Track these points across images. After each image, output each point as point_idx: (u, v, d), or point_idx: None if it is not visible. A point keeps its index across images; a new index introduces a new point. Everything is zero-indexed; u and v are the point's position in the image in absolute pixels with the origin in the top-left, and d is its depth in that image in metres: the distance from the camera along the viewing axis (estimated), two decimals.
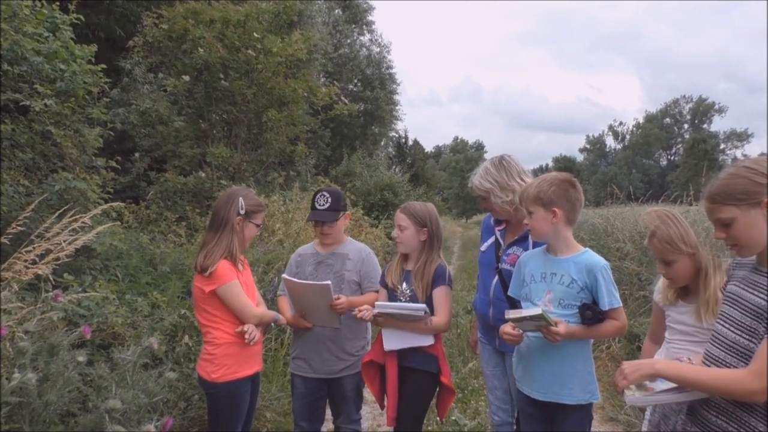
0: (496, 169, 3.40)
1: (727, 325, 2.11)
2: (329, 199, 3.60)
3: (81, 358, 2.84)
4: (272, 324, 3.48)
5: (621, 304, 2.85)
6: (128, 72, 10.65)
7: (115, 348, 3.70)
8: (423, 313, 3.22)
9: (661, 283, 2.87)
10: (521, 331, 2.83)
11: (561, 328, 2.71)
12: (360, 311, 3.36)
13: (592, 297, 2.82)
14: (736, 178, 2.05)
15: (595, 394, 2.91)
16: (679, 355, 2.55)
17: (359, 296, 3.56)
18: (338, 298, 3.41)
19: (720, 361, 2.09)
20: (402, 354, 3.40)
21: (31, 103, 4.74)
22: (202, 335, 3.31)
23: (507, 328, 2.85)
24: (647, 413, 2.83)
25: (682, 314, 2.70)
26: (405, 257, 3.57)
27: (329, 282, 3.41)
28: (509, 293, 3.15)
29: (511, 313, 2.76)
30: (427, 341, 3.36)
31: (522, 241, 3.36)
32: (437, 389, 3.51)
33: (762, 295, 2.00)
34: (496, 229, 3.55)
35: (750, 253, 2.10)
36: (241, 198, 3.28)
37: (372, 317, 3.34)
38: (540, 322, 2.69)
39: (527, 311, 2.70)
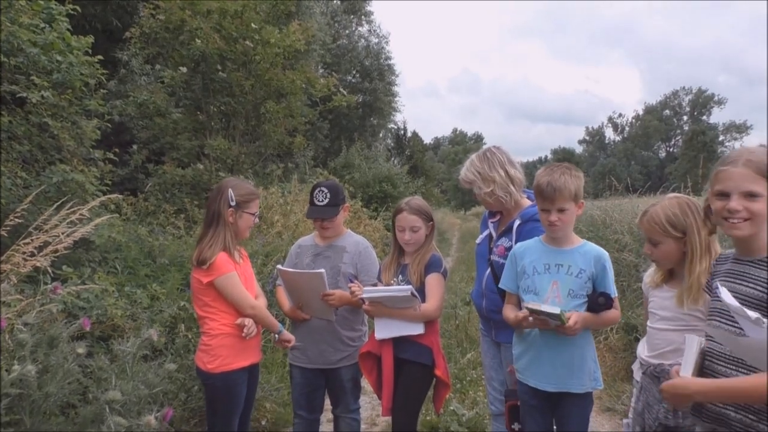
0: (480, 160, 3.39)
1: (727, 322, 2.09)
2: (328, 195, 3.58)
3: (81, 350, 2.85)
4: (275, 335, 3.47)
5: (617, 294, 2.92)
6: (125, 63, 10.61)
7: (114, 340, 3.71)
8: (410, 294, 3.21)
9: (652, 268, 2.88)
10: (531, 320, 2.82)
11: (574, 323, 2.72)
12: (353, 286, 3.38)
13: (593, 287, 2.87)
14: None
15: (599, 381, 2.97)
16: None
17: None
18: (331, 294, 3.42)
19: (725, 356, 2.08)
20: (397, 345, 3.41)
21: (27, 94, 4.72)
22: (200, 326, 3.33)
23: (521, 314, 2.83)
24: (632, 401, 2.85)
25: (666, 299, 2.67)
26: (402, 252, 3.57)
27: (323, 270, 3.41)
28: (500, 285, 3.15)
29: (531, 304, 2.76)
30: (417, 329, 3.36)
31: (508, 232, 3.36)
32: (433, 381, 3.52)
33: (759, 287, 2.01)
34: (490, 221, 3.55)
35: (752, 232, 2.06)
36: (230, 189, 3.24)
37: (362, 293, 3.33)
38: (555, 321, 2.71)
39: (546, 307, 2.70)
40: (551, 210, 2.83)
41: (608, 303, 2.82)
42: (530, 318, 2.78)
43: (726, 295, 1.92)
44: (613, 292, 2.87)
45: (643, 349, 2.78)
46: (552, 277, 2.89)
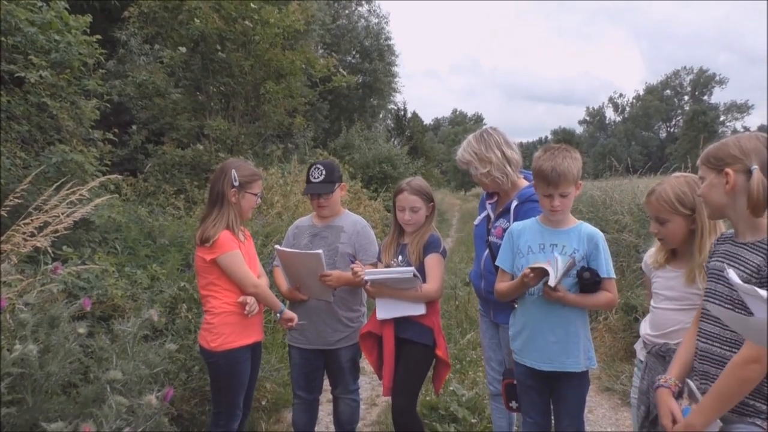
0: (477, 141, 3.39)
1: (717, 302, 2.13)
2: (323, 172, 3.58)
3: (81, 330, 2.85)
4: (277, 314, 3.47)
5: (615, 277, 2.90)
6: (124, 43, 10.54)
7: (115, 320, 3.72)
8: (412, 275, 3.21)
9: (653, 249, 2.88)
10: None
11: (562, 293, 2.79)
12: (355, 267, 3.38)
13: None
14: (723, 144, 2.14)
15: (593, 360, 2.99)
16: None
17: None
18: (328, 274, 3.42)
19: (717, 336, 2.12)
20: (398, 325, 3.42)
21: (26, 74, 4.68)
22: (202, 305, 3.35)
23: (525, 270, 2.82)
24: (636, 380, 2.86)
25: (671, 279, 2.68)
26: (402, 232, 3.57)
27: (320, 251, 3.41)
28: (496, 263, 3.15)
29: (537, 264, 2.78)
30: (418, 310, 3.37)
31: (506, 213, 3.37)
32: (434, 361, 3.54)
33: (741, 268, 2.05)
34: (488, 202, 3.55)
35: (711, 214, 2.28)
36: (233, 170, 3.27)
37: (364, 274, 3.33)
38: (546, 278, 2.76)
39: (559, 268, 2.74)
40: (554, 195, 2.82)
41: (593, 278, 2.81)
42: (531, 274, 2.77)
43: (734, 276, 1.94)
44: (606, 272, 2.85)
45: (646, 328, 2.78)
46: (546, 256, 2.89)
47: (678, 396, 2.24)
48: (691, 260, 2.59)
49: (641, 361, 2.78)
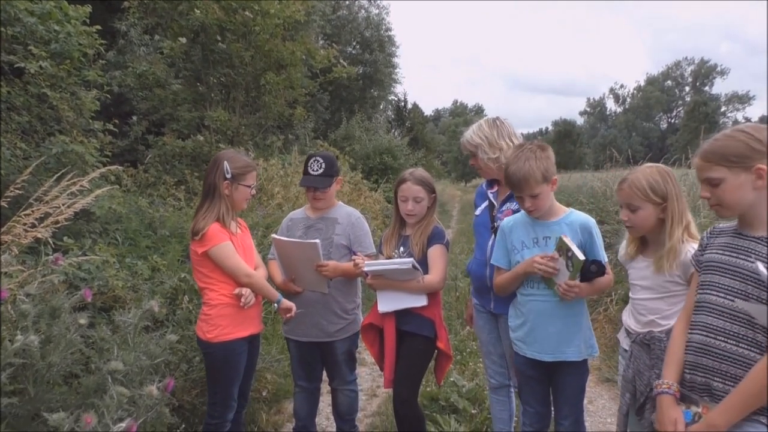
0: (489, 126, 3.44)
1: (723, 295, 2.11)
2: (323, 165, 3.55)
3: (83, 321, 2.85)
4: (275, 304, 3.46)
5: (607, 259, 2.95)
6: (124, 34, 10.49)
7: (116, 311, 3.72)
8: (411, 266, 3.21)
9: (625, 241, 2.91)
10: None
11: (576, 290, 2.81)
12: (356, 258, 3.39)
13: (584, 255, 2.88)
14: (734, 140, 2.08)
15: (595, 348, 3.02)
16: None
17: (347, 263, 3.51)
18: (325, 264, 3.42)
19: (722, 330, 2.10)
20: (400, 318, 3.42)
21: (26, 65, 4.67)
22: (201, 297, 3.35)
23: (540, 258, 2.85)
24: (621, 369, 2.88)
25: (643, 269, 2.72)
26: (403, 223, 3.57)
27: (318, 240, 3.40)
28: (492, 262, 3.17)
29: (566, 238, 2.80)
30: (420, 302, 3.37)
31: (513, 196, 3.38)
32: (435, 353, 3.54)
33: (752, 260, 2.03)
34: (489, 192, 3.55)
35: (731, 214, 2.16)
36: (225, 162, 3.24)
37: (364, 265, 3.33)
38: (569, 265, 2.77)
39: (575, 248, 2.74)
40: (523, 197, 2.88)
41: (600, 270, 2.83)
42: (556, 257, 2.80)
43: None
44: (603, 258, 2.89)
45: (628, 319, 2.82)
46: (541, 250, 2.91)
47: (680, 401, 2.23)
48: (661, 248, 2.62)
49: (625, 350, 2.80)
